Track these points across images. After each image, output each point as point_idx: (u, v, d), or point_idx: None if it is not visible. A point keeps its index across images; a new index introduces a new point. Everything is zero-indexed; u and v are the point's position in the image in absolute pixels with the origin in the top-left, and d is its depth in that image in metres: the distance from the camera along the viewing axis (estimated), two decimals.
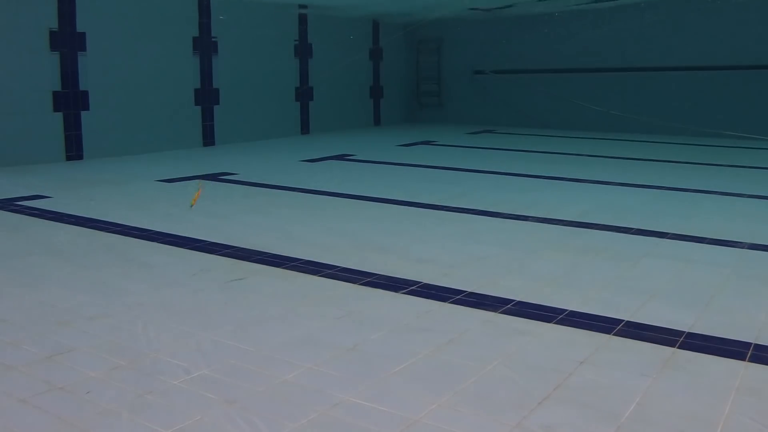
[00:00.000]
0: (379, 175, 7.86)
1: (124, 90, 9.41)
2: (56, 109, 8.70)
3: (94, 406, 2.39)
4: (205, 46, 10.43)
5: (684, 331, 3.09)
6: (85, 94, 8.96)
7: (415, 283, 3.80)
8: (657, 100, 12.06)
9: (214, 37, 10.55)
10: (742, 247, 4.59)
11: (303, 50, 12.17)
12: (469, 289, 3.69)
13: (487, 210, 5.80)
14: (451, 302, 3.49)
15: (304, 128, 12.41)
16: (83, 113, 8.96)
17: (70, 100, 8.82)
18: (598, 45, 12.52)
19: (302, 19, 12.10)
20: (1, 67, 8.15)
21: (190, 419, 2.31)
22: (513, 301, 3.51)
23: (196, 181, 3.00)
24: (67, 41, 8.73)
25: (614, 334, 3.06)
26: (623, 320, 3.23)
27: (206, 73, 10.50)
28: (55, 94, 8.67)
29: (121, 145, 9.39)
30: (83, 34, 8.87)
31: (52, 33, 8.58)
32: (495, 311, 3.36)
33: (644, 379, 2.62)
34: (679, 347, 2.91)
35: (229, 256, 4.35)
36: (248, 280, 3.88)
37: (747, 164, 8.56)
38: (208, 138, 10.64)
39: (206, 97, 10.55)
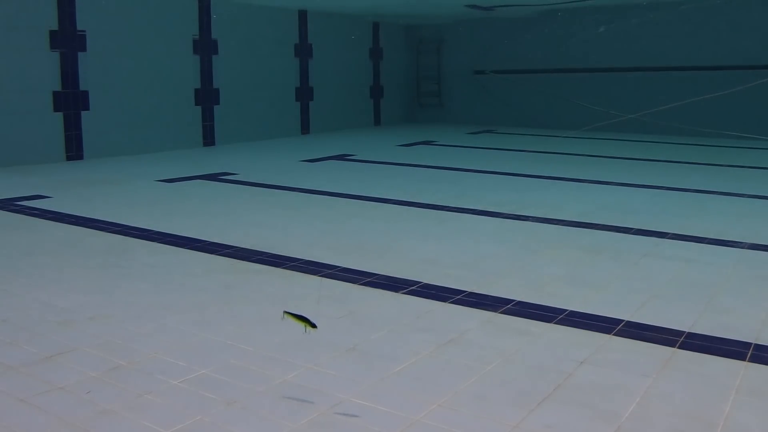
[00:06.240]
0: (379, 175, 7.86)
1: (124, 90, 9.41)
2: (56, 109, 8.70)
3: (94, 406, 2.39)
4: (205, 46, 10.43)
5: (684, 331, 3.09)
6: (85, 94, 8.96)
7: (415, 283, 3.80)
8: (657, 100, 12.05)
9: (214, 38, 10.55)
10: (742, 247, 4.59)
11: (303, 50, 12.17)
12: (469, 289, 3.69)
13: (487, 210, 5.80)
14: (451, 302, 3.49)
15: (304, 128, 12.41)
16: (83, 113, 8.96)
17: (70, 100, 8.82)
18: (599, 45, 12.52)
19: (302, 19, 12.11)
20: (1, 67, 8.15)
21: (190, 419, 2.31)
22: (513, 301, 3.51)
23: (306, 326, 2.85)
24: (67, 41, 8.73)
25: (614, 334, 3.06)
26: (623, 320, 3.23)
27: (206, 73, 10.51)
28: (55, 94, 8.67)
29: (121, 145, 9.39)
30: (83, 34, 8.88)
31: (52, 33, 8.58)
32: (495, 311, 3.36)
33: (644, 379, 2.61)
34: (679, 347, 2.91)
35: (229, 256, 4.35)
36: (248, 280, 3.88)
37: (747, 164, 8.56)
38: (208, 138, 10.64)
39: (206, 97, 10.55)
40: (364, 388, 2.53)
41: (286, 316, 2.70)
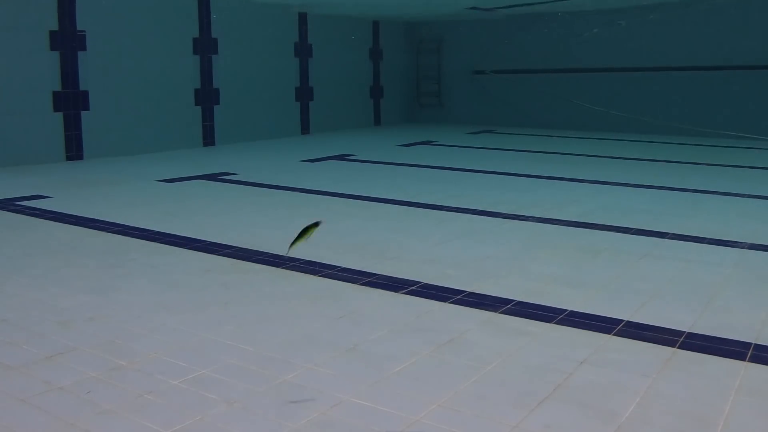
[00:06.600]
0: (379, 175, 7.86)
1: (124, 90, 9.41)
2: (56, 109, 8.70)
3: (94, 406, 2.39)
4: (205, 46, 10.43)
5: (684, 331, 3.09)
6: (85, 94, 8.96)
7: (415, 283, 3.80)
8: (657, 100, 12.06)
9: (214, 37, 10.55)
10: (742, 247, 4.59)
11: (303, 50, 12.17)
12: (469, 289, 3.69)
13: (487, 210, 5.80)
14: (451, 302, 3.49)
15: (304, 128, 12.41)
16: (83, 113, 8.96)
17: (70, 100, 8.82)
18: (599, 45, 12.52)
19: (302, 19, 12.11)
20: (1, 67, 8.15)
21: (190, 419, 2.31)
22: (513, 301, 3.51)
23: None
24: (67, 41, 8.73)
25: (614, 334, 3.06)
26: (623, 320, 3.23)
27: (206, 73, 10.50)
28: (55, 94, 8.67)
29: (121, 145, 9.39)
30: (83, 34, 8.87)
31: (52, 33, 8.58)
32: (495, 311, 3.36)
33: (644, 379, 2.61)
34: (679, 347, 2.91)
35: (229, 256, 4.35)
36: (248, 280, 3.88)
37: (747, 164, 8.56)
38: (208, 138, 10.64)
39: (206, 97, 10.55)
40: (364, 388, 2.53)
41: (292, 248, 2.68)
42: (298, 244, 2.77)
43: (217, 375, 2.65)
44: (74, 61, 8.81)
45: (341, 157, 9.29)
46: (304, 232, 2.69)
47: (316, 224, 2.65)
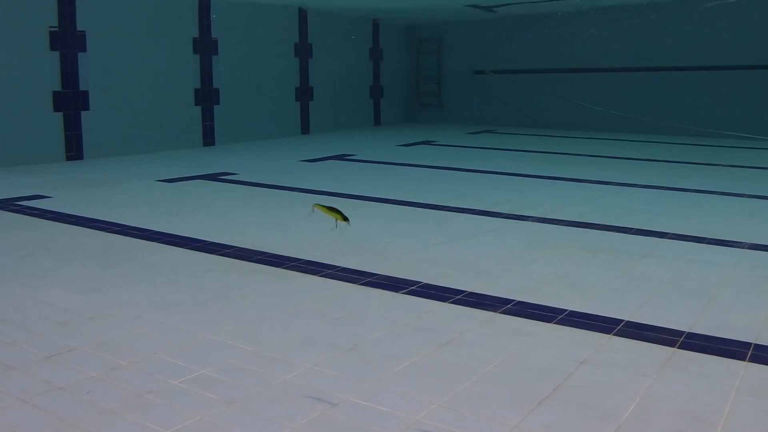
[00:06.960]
0: (379, 175, 7.86)
1: (124, 90, 9.41)
2: (56, 109, 8.70)
3: (94, 406, 2.39)
4: (205, 46, 10.44)
5: (684, 331, 3.09)
6: (85, 94, 8.96)
7: (415, 283, 3.80)
8: (657, 100, 12.06)
9: (214, 37, 10.56)
10: (742, 247, 4.59)
11: (303, 50, 12.17)
12: (469, 289, 3.69)
13: (487, 210, 5.80)
14: (451, 302, 3.49)
15: (304, 128, 12.41)
16: (83, 113, 8.96)
17: (70, 100, 8.82)
18: (599, 45, 12.53)
19: (302, 19, 12.11)
20: (1, 67, 8.15)
21: (190, 419, 2.31)
22: (513, 301, 3.51)
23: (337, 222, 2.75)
24: (67, 41, 8.73)
25: (614, 334, 3.06)
26: (623, 320, 3.23)
27: (206, 73, 10.51)
28: (55, 94, 8.67)
29: (121, 145, 9.39)
30: (83, 34, 8.88)
31: (52, 32, 8.58)
32: (495, 311, 3.36)
33: (644, 379, 2.61)
34: (679, 347, 2.91)
35: (229, 256, 4.35)
36: (248, 280, 3.88)
37: (747, 164, 8.56)
38: (208, 138, 10.64)
39: (206, 97, 10.55)
40: (364, 388, 2.53)
41: (315, 208, 2.68)
42: (321, 210, 2.78)
43: (217, 375, 2.65)
44: (74, 61, 8.82)
45: (341, 157, 9.29)
46: (334, 210, 2.71)
47: (345, 218, 2.67)
